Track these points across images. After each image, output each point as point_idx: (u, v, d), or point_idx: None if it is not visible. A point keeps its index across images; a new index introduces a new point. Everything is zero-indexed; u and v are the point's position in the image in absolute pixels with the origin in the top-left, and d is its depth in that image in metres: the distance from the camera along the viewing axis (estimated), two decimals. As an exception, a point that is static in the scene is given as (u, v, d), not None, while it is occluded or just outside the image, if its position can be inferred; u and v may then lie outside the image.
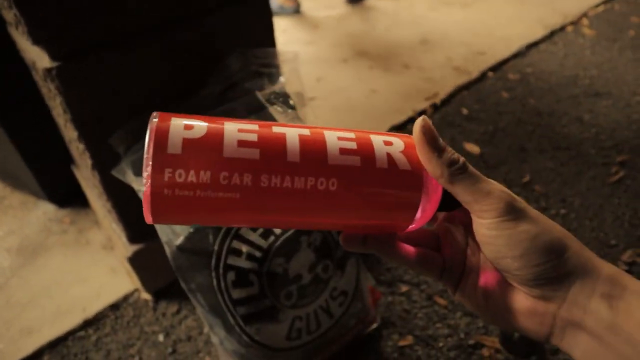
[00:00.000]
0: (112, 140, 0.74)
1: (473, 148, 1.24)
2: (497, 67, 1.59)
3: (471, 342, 0.82)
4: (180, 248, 0.65)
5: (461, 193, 0.29)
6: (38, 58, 0.70)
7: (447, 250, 0.35)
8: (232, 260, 0.63)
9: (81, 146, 0.76)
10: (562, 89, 1.46)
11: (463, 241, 0.35)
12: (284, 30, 1.91)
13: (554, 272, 0.28)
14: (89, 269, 1.01)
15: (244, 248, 0.63)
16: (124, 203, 0.83)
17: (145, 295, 0.93)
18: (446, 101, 1.44)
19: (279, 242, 0.64)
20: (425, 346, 0.82)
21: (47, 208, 1.21)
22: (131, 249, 0.86)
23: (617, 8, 1.94)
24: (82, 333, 0.89)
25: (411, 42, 1.80)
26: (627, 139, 1.24)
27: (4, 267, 1.05)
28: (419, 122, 0.30)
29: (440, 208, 0.32)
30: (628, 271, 0.93)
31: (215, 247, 0.63)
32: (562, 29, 1.82)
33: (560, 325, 0.29)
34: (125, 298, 0.94)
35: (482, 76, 1.54)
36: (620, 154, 1.20)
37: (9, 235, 1.14)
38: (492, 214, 0.28)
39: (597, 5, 1.96)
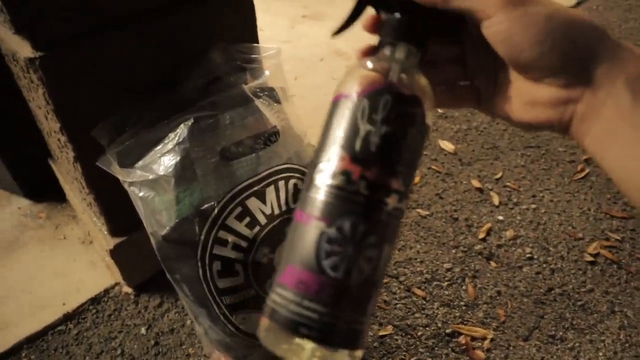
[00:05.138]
0: (95, 132, 0.74)
1: (447, 145, 1.28)
2: (471, 68, 1.64)
3: (448, 330, 0.85)
4: (165, 238, 0.66)
5: (459, 2, 0.28)
6: (19, 48, 0.69)
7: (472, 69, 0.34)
8: (218, 250, 0.64)
9: (63, 138, 0.76)
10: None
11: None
12: (261, 29, 1.91)
13: (577, 53, 0.26)
14: (68, 264, 1.00)
15: (230, 238, 0.64)
16: (106, 195, 0.82)
17: (127, 289, 0.93)
18: (422, 100, 1.47)
19: (264, 232, 0.65)
20: (404, 335, 0.85)
21: (21, 203, 1.18)
22: (112, 242, 0.86)
23: (598, 8, 2.03)
24: (62, 327, 0.88)
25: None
26: (592, 138, 1.30)
27: (-23, 262, 1.03)
28: None
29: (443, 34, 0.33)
30: (592, 262, 0.98)
31: (202, 237, 0.64)
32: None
33: (580, 113, 0.27)
34: (106, 292, 0.93)
35: (457, 77, 1.59)
36: (585, 152, 1.26)
37: (-18, 230, 1.11)
38: (497, 5, 0.27)
39: (580, 3, 2.04)
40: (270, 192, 0.66)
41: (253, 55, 0.83)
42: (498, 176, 1.18)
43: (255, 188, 0.65)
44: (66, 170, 0.94)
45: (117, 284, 0.95)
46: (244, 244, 0.65)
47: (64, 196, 1.16)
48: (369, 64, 0.31)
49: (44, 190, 1.18)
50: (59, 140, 0.80)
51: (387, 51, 0.32)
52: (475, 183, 1.15)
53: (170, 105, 0.78)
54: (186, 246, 0.65)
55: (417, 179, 1.17)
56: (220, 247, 0.64)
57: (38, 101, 0.78)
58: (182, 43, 0.79)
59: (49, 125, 0.81)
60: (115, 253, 0.86)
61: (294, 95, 1.48)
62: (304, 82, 1.58)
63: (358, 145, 0.28)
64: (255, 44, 0.86)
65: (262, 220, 0.65)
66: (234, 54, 0.83)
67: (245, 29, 0.87)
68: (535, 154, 1.26)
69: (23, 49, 0.68)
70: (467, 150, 1.27)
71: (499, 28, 0.27)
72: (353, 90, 0.30)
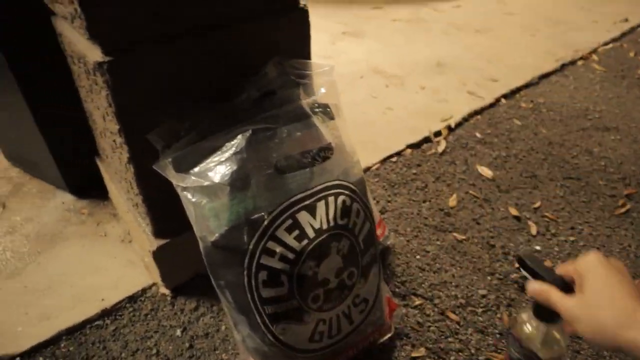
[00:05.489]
0: (151, 136, 0.76)
1: (486, 171, 1.27)
2: (510, 95, 1.64)
3: (481, 358, 0.84)
4: (214, 244, 0.67)
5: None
6: (88, 52, 0.73)
7: None
8: (265, 260, 0.66)
9: (120, 140, 0.79)
10: (572, 121, 1.50)
11: None
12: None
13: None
14: (107, 261, 1.03)
15: (278, 249, 0.66)
16: (154, 198, 0.85)
17: (164, 290, 0.95)
18: (460, 124, 1.48)
19: (311, 246, 0.66)
20: (437, 359, 0.84)
21: (65, 198, 1.22)
22: (156, 243, 0.88)
23: (625, 47, 2.00)
24: (99, 322, 0.90)
25: (426, 64, 1.85)
26: (634, 174, 1.29)
27: (22, 252, 1.06)
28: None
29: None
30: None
31: (250, 246, 0.65)
32: (572, 62, 1.87)
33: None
34: (144, 291, 0.95)
35: (495, 102, 1.59)
36: (627, 187, 1.24)
37: (27, 222, 1.15)
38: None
39: (607, 43, 2.02)
40: (321, 207, 0.67)
41: (306, 71, 0.84)
42: (536, 205, 1.17)
43: (307, 202, 0.66)
44: (115, 170, 0.97)
45: (154, 284, 0.97)
46: (291, 255, 0.66)
47: (106, 194, 1.20)
48: None
49: (87, 187, 1.22)
50: (114, 141, 0.83)
51: None
52: (513, 211, 1.14)
53: (223, 115, 0.80)
54: (234, 254, 0.66)
55: (454, 203, 1.17)
56: (267, 257, 0.66)
57: (98, 102, 0.81)
58: (239, 56, 0.82)
59: (106, 126, 0.84)
60: (157, 254, 0.88)
61: (333, 110, 1.50)
62: (343, 98, 1.58)
63: None
64: (309, 60, 0.88)
65: (311, 233, 0.66)
66: (288, 68, 0.85)
67: (300, 44, 0.89)
68: (575, 186, 1.24)
69: (92, 53, 0.71)
70: (506, 177, 1.26)
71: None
72: None
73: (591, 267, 0.48)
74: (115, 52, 0.69)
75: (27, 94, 1.04)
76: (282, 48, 0.86)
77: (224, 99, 0.81)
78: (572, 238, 1.09)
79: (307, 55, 0.91)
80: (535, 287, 0.54)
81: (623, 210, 1.17)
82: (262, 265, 0.66)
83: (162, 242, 0.88)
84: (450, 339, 0.88)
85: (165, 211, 0.87)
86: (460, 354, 0.85)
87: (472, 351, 0.86)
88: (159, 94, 0.76)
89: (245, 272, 0.66)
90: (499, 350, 0.86)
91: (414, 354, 0.84)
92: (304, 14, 0.87)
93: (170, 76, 0.76)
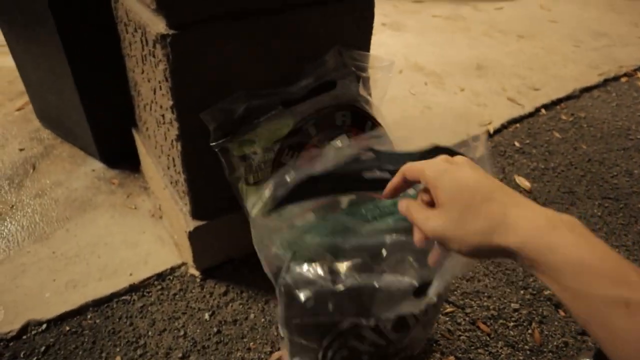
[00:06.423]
0: (204, 116, 0.74)
1: (523, 182, 1.24)
2: (550, 106, 1.60)
3: (512, 374, 0.83)
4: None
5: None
6: (151, 22, 0.70)
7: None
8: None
9: (170, 116, 0.77)
10: (613, 139, 1.46)
11: None
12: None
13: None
14: (137, 235, 1.02)
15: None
16: (198, 179, 0.83)
17: (194, 271, 0.93)
18: (499, 130, 1.44)
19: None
20: (467, 371, 0.83)
21: (95, 165, 1.21)
22: (193, 224, 0.86)
23: (671, 67, 1.95)
24: (126, 297, 0.89)
25: (466, 65, 1.81)
26: (674, 200, 1.25)
27: (51, 216, 1.05)
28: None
29: None
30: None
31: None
32: (616, 78, 1.82)
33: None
34: (172, 270, 0.94)
35: (535, 112, 1.55)
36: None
37: (57, 186, 1.14)
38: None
39: (653, 61, 1.97)
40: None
41: (366, 64, 0.82)
42: (574, 223, 1.14)
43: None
44: (155, 144, 0.95)
45: (184, 263, 0.95)
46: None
47: (138, 166, 1.18)
48: None
49: (119, 157, 1.20)
50: (162, 116, 0.81)
51: None
52: (550, 226, 1.11)
53: (277, 100, 0.78)
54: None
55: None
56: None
57: (151, 75, 0.79)
58: (301, 41, 0.79)
59: (156, 100, 0.82)
60: (193, 235, 0.86)
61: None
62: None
63: None
64: (367, 52, 0.85)
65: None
66: (347, 59, 0.82)
67: (361, 34, 0.86)
68: (613, 207, 1.21)
69: (156, 24, 0.69)
70: (543, 191, 1.23)
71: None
72: None
73: (438, 176, 0.41)
74: (181, 26, 0.66)
75: (71, 57, 1.02)
76: (344, 37, 0.83)
77: (281, 84, 0.79)
78: (609, 261, 1.06)
79: (367, 47, 0.88)
80: (402, 203, 0.46)
81: (662, 237, 1.14)
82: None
83: (198, 223, 0.87)
84: (480, 350, 0.86)
85: (205, 193, 0.85)
86: (490, 368, 0.84)
87: (503, 366, 0.84)
88: (217, 73, 0.74)
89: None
90: (530, 369, 0.84)
91: (444, 364, 0.83)
92: (369, 3, 0.84)
93: (231, 57, 0.73)
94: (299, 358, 0.67)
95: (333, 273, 0.56)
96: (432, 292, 0.56)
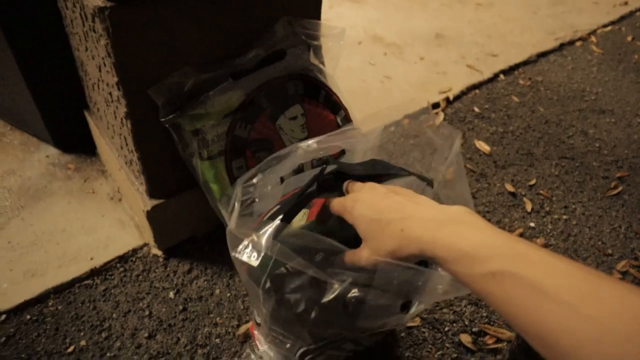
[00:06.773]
0: (152, 91, 0.73)
1: (483, 146, 1.27)
2: (509, 71, 1.62)
3: (475, 329, 0.85)
4: None
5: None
6: (88, -5, 0.67)
7: None
8: None
9: (117, 93, 0.74)
10: (569, 102, 1.50)
11: None
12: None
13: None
14: (96, 219, 0.99)
15: None
16: (151, 157, 0.81)
17: (156, 251, 0.92)
18: (458, 97, 1.46)
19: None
20: (431, 329, 0.85)
21: (49, 151, 1.17)
22: (150, 203, 0.85)
23: (624, 31, 2.00)
24: (89, 282, 0.88)
25: (426, 35, 1.81)
26: (627, 157, 1.30)
27: (4, 205, 1.02)
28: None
29: None
30: (620, 279, 0.98)
31: None
32: (571, 43, 1.86)
33: None
34: (134, 251, 0.93)
35: (494, 77, 1.57)
36: (620, 169, 1.25)
37: (9, 174, 1.10)
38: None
39: (606, 26, 2.01)
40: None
41: (317, 32, 0.81)
42: (532, 183, 1.17)
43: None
44: (107, 125, 0.92)
45: (145, 244, 0.94)
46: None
47: (94, 150, 1.15)
48: None
49: (73, 141, 1.16)
50: (110, 94, 0.79)
51: None
52: (509, 187, 1.14)
53: (226, 73, 0.76)
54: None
55: (451, 176, 1.16)
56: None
57: (94, 52, 0.76)
58: (248, 13, 0.77)
59: (102, 77, 0.79)
60: (151, 214, 0.85)
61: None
62: (340, 64, 1.56)
63: None
64: (318, 21, 0.84)
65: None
66: (298, 28, 0.81)
67: (310, 4, 0.85)
68: (570, 166, 1.25)
69: (93, -4, 0.66)
70: (503, 154, 1.26)
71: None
72: None
73: (354, 212, 0.48)
74: (119, -2, 0.64)
75: (12, 40, 0.97)
76: (294, 7, 0.82)
77: (230, 56, 0.77)
78: (565, 217, 1.10)
79: (318, 16, 0.87)
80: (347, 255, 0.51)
81: (615, 192, 1.18)
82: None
83: (156, 202, 0.85)
84: (444, 310, 0.88)
85: (161, 170, 0.84)
86: (454, 324, 0.86)
87: (466, 322, 0.87)
88: (162, 47, 0.71)
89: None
90: (491, 323, 0.87)
91: (409, 324, 0.85)
92: (315, -30, 0.83)
93: (176, 31, 0.71)
94: (275, 347, 0.66)
95: (321, 284, 0.55)
96: (414, 312, 0.58)
